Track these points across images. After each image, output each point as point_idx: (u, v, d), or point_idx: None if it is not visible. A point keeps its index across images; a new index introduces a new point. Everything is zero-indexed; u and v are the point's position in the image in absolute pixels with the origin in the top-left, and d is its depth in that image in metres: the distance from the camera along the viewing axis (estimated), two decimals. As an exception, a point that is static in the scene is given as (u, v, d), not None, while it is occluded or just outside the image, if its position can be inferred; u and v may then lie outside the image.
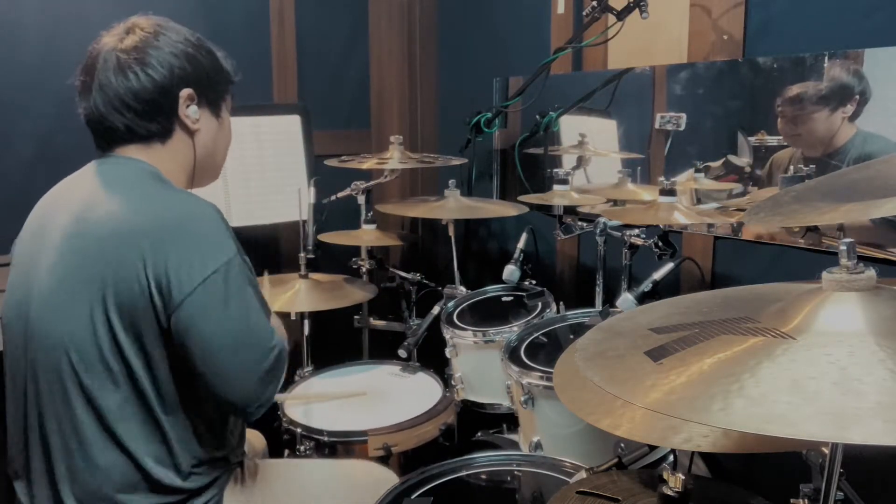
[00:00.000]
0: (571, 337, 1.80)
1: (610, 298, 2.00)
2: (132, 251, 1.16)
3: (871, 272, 0.83)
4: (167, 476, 1.24)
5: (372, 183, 2.51)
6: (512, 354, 1.72)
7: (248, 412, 1.26)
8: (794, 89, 1.77)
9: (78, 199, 1.25)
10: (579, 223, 2.17)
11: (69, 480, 1.23)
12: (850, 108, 1.67)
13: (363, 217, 2.47)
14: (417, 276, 2.46)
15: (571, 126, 2.43)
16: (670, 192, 1.78)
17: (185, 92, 1.28)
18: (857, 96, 1.65)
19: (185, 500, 1.27)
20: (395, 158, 2.38)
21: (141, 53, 1.24)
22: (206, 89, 1.33)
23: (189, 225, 1.20)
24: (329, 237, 2.39)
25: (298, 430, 1.76)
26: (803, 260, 1.79)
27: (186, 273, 1.16)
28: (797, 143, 1.79)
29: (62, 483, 1.23)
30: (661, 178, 2.04)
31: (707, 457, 1.82)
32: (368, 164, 2.39)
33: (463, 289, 2.24)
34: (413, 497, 1.35)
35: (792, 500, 1.01)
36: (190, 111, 1.30)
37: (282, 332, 1.40)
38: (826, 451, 0.91)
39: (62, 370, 1.20)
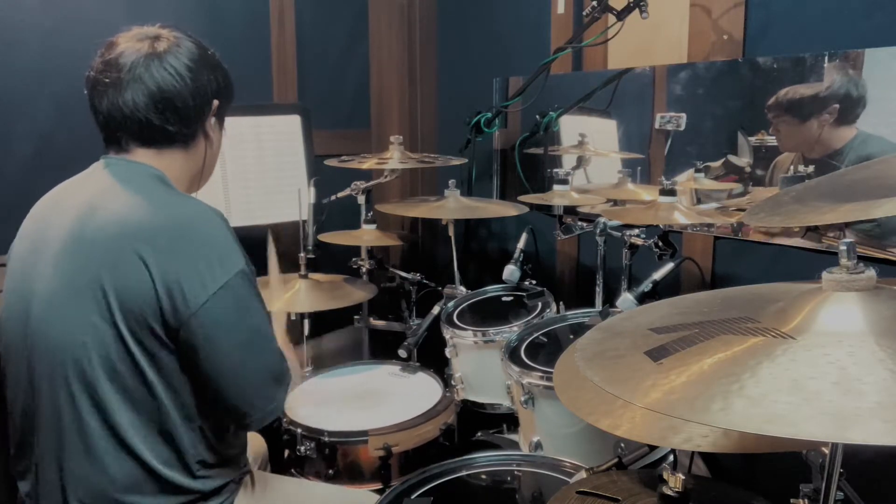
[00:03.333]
0: (571, 337, 1.80)
1: (610, 298, 2.00)
2: (136, 255, 1.15)
3: (871, 272, 0.83)
4: (174, 478, 1.24)
5: (372, 183, 2.51)
6: (512, 354, 1.72)
7: (255, 420, 1.28)
8: (788, 93, 1.77)
9: (81, 202, 1.24)
10: (579, 223, 2.17)
11: (75, 482, 1.22)
12: (848, 110, 1.67)
13: (363, 217, 2.47)
14: (417, 276, 2.46)
15: (571, 126, 2.43)
16: (670, 192, 1.78)
17: (215, 102, 1.33)
18: (857, 97, 1.65)
19: (194, 501, 1.27)
20: (395, 158, 2.38)
21: (182, 57, 1.27)
22: (224, 102, 1.37)
23: (197, 231, 1.20)
24: (329, 237, 2.39)
25: (298, 430, 1.76)
26: (803, 260, 1.79)
27: (199, 283, 1.16)
28: (795, 147, 1.79)
29: (68, 485, 1.23)
30: (661, 178, 2.04)
31: (707, 457, 1.82)
32: (368, 164, 2.39)
33: (463, 289, 2.24)
34: (413, 497, 1.34)
35: (792, 500, 1.01)
36: (212, 121, 1.35)
37: (283, 340, 1.40)
38: (826, 451, 0.91)
39: (67, 373, 1.19)
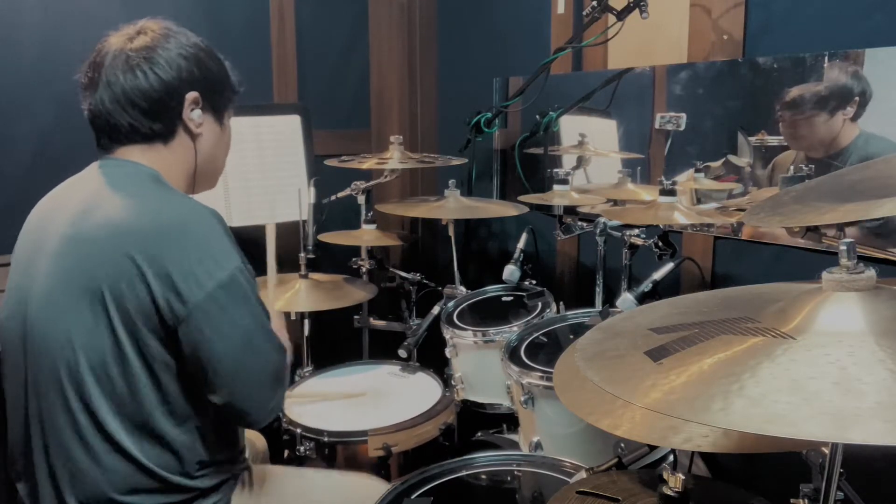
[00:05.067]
0: (571, 337, 1.80)
1: (610, 298, 2.00)
2: (130, 255, 1.15)
3: (871, 272, 0.83)
4: (171, 478, 1.23)
5: (372, 183, 2.51)
6: (512, 354, 1.72)
7: (257, 419, 1.28)
8: (794, 92, 1.77)
9: (77, 202, 1.24)
10: (579, 223, 2.17)
11: (71, 483, 1.22)
12: (851, 109, 1.67)
13: (363, 217, 2.47)
14: (417, 276, 2.46)
15: (571, 126, 2.43)
16: (670, 192, 1.78)
17: (191, 95, 1.29)
18: (858, 97, 1.65)
19: (191, 500, 1.27)
20: (395, 158, 2.38)
21: (150, 53, 1.25)
22: (212, 95, 1.33)
23: (191, 231, 1.20)
24: (329, 237, 2.39)
25: (298, 430, 1.76)
26: (803, 260, 1.79)
27: (194, 282, 1.15)
28: (799, 146, 1.79)
29: (64, 485, 1.23)
30: (661, 178, 2.04)
31: (707, 457, 1.82)
32: (368, 164, 2.39)
33: (463, 289, 2.24)
34: (413, 497, 1.34)
35: (792, 500, 1.01)
36: (194, 115, 1.30)
37: (283, 335, 1.40)
38: (826, 451, 0.91)
39: (61, 374, 1.19)
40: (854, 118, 1.66)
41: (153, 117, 1.26)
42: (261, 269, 1.31)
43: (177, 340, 1.18)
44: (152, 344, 1.18)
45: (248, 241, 1.28)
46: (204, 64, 1.31)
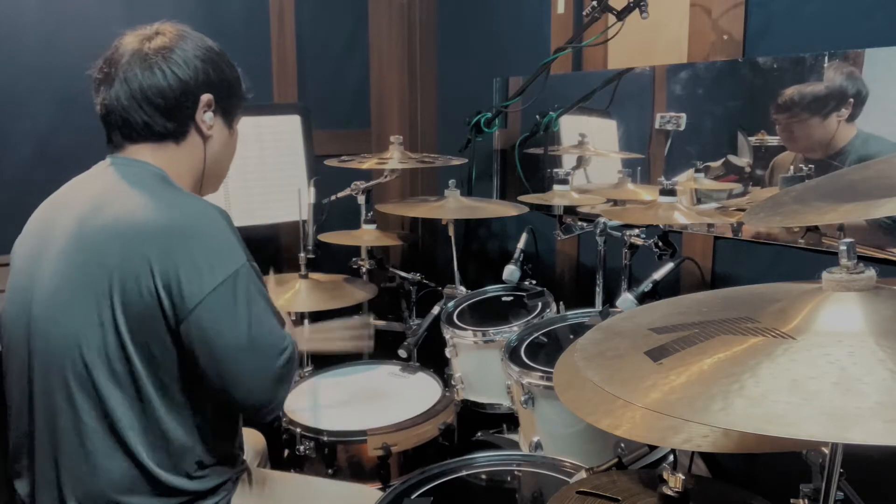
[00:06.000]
0: (571, 337, 1.80)
1: (610, 298, 2.00)
2: (139, 253, 1.16)
3: (871, 272, 0.83)
4: (170, 479, 1.24)
5: (372, 183, 2.51)
6: (512, 354, 1.72)
7: (260, 415, 1.28)
8: (790, 93, 1.77)
9: (84, 201, 1.25)
10: (579, 223, 2.17)
11: (72, 482, 1.23)
12: (848, 110, 1.67)
13: (363, 217, 2.47)
14: (417, 276, 2.46)
15: (571, 126, 2.43)
16: (670, 192, 1.78)
17: (206, 97, 1.31)
18: (853, 97, 1.65)
19: (191, 500, 1.27)
20: (395, 158, 2.38)
21: (168, 53, 1.27)
22: (224, 99, 1.35)
23: (198, 229, 1.20)
24: (329, 237, 2.39)
25: (298, 430, 1.76)
26: (803, 260, 1.79)
27: (197, 280, 1.16)
28: (796, 148, 1.79)
29: (65, 485, 1.23)
30: (661, 178, 2.04)
31: (707, 457, 1.82)
32: (368, 164, 2.39)
33: (463, 289, 2.24)
34: (413, 497, 1.34)
35: (792, 500, 1.01)
36: (206, 117, 1.32)
37: (291, 329, 1.40)
38: (826, 451, 0.91)
39: (66, 372, 1.19)
40: (850, 119, 1.66)
41: (168, 116, 1.27)
42: (263, 268, 1.32)
43: (180, 338, 1.18)
44: (156, 342, 1.18)
45: (248, 242, 1.28)
46: (219, 67, 1.33)
